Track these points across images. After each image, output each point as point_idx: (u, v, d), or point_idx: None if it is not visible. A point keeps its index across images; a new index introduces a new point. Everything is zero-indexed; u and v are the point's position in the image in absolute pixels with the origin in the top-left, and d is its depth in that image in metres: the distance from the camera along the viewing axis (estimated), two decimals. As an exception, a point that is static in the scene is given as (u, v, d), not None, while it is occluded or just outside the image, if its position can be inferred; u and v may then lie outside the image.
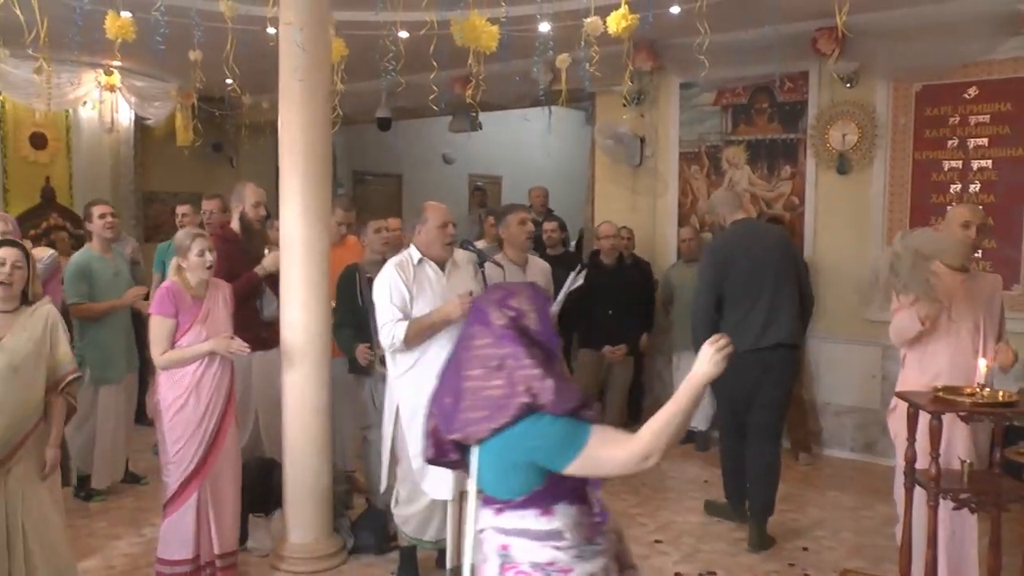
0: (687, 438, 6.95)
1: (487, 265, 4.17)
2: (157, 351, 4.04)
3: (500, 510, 2.18)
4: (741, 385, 4.76)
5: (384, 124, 8.59)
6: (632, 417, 7.34)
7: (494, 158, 12.40)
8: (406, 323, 3.91)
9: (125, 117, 8.65)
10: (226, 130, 8.58)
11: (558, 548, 2.13)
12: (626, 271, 6.47)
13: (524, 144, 12.46)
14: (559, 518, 2.15)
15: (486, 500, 2.21)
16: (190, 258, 4.06)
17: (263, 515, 4.76)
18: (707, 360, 2.13)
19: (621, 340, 6.14)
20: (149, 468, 6.10)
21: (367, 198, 10.89)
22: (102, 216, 5.34)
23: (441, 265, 4.09)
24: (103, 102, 8.21)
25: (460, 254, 4.25)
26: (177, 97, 8.19)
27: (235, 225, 5.01)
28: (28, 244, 4.62)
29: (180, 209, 6.68)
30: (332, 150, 4.68)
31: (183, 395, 4.03)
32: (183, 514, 4.05)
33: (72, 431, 5.30)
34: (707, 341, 2.16)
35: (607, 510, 2.23)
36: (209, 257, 4.07)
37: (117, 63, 7.75)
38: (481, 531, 2.24)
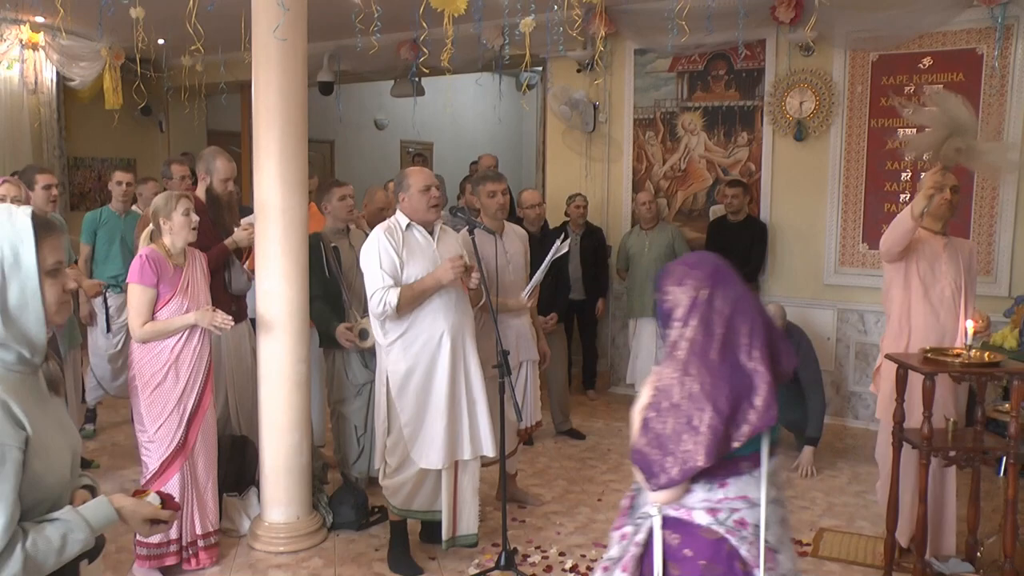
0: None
1: (477, 232, 4.08)
2: (137, 323, 3.83)
3: None
4: None
5: (326, 88, 8.32)
6: (587, 384, 7.37)
7: (425, 124, 12.18)
8: (398, 289, 3.81)
9: (48, 78, 8.14)
10: (159, 93, 8.17)
11: None
12: (551, 239, 6.41)
13: (455, 110, 12.30)
14: None
15: None
16: (175, 218, 3.86)
17: (236, 494, 4.59)
18: None
19: (551, 310, 6.08)
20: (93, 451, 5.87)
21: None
22: (47, 187, 5.02)
23: (429, 230, 3.99)
24: (24, 61, 7.70)
25: (446, 219, 4.17)
26: (107, 57, 7.74)
27: (200, 194, 4.74)
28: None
29: (120, 176, 6.11)
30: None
31: (162, 370, 3.85)
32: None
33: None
34: None
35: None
36: (195, 218, 3.89)
37: (40, 19, 7.30)
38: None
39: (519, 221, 6.32)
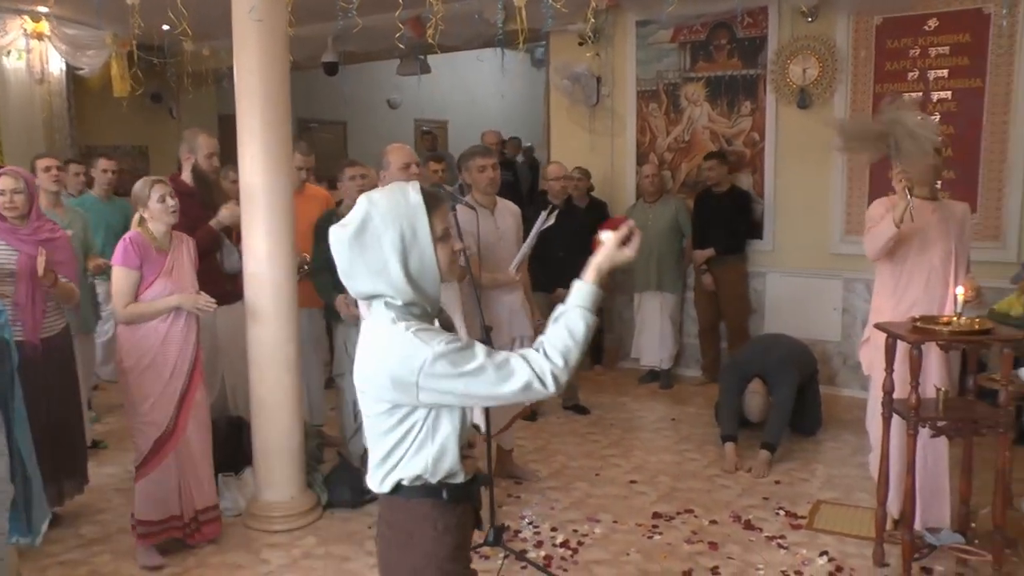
0: (651, 377, 6.98)
1: (459, 208, 4.05)
2: (120, 304, 3.87)
3: None
4: None
5: (331, 69, 8.32)
6: (594, 358, 7.35)
7: (440, 102, 12.19)
8: None
9: (56, 67, 8.22)
10: (166, 79, 8.23)
11: None
12: (575, 213, 6.38)
13: (470, 87, 12.27)
14: None
15: None
16: (151, 206, 3.89)
17: (233, 474, 4.64)
18: None
19: (560, 285, 6.06)
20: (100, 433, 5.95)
21: (312, 146, 10.58)
22: (47, 169, 5.12)
23: None
24: (31, 51, 7.78)
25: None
26: (113, 45, 7.80)
27: (186, 177, 4.77)
28: None
29: (104, 164, 6.30)
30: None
31: (148, 353, 3.89)
32: (160, 476, 3.93)
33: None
34: None
35: None
36: (171, 202, 3.91)
37: (44, 8, 7.36)
38: None
39: (544, 194, 6.30)
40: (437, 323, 2.08)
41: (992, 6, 5.72)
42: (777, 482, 4.88)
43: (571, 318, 1.96)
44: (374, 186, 4.93)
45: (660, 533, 4.27)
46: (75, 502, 4.56)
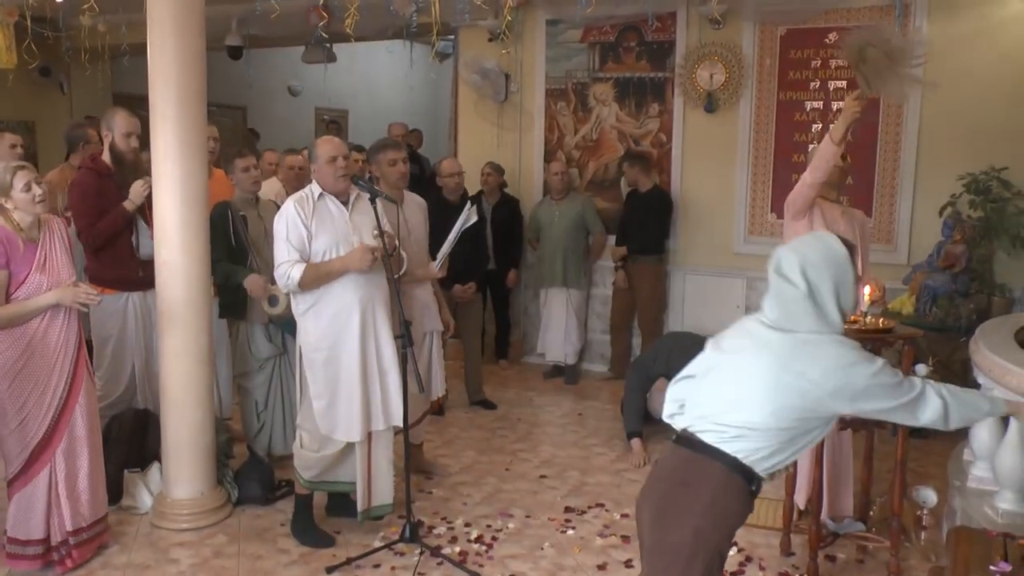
0: (556, 372, 7.06)
1: (379, 201, 4.00)
2: None
3: None
4: None
5: (235, 52, 8.07)
6: (499, 353, 7.39)
7: (341, 92, 11.99)
8: (303, 265, 3.76)
9: (-69, 36, 7.68)
10: (58, 53, 7.78)
11: None
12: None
13: (371, 78, 12.14)
14: None
15: None
16: (15, 195, 3.47)
17: (139, 470, 4.46)
18: None
19: (468, 279, 6.09)
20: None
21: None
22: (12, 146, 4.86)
23: (345, 200, 3.93)
24: (-96, 18, 7.25)
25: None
26: (-2, 14, 7.35)
27: (106, 156, 4.53)
28: None
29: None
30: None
31: (24, 355, 3.51)
32: (34, 490, 3.62)
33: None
34: None
35: None
36: (37, 190, 3.50)
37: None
38: None
39: (439, 190, 6.28)
40: None
41: (885, 24, 6.00)
42: (684, 475, 5.00)
43: (985, 403, 2.42)
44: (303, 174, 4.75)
45: (573, 527, 4.32)
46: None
